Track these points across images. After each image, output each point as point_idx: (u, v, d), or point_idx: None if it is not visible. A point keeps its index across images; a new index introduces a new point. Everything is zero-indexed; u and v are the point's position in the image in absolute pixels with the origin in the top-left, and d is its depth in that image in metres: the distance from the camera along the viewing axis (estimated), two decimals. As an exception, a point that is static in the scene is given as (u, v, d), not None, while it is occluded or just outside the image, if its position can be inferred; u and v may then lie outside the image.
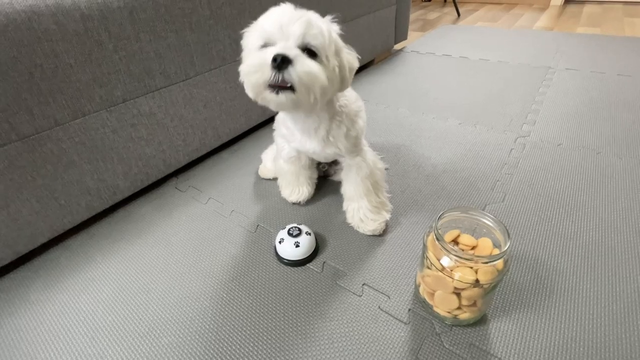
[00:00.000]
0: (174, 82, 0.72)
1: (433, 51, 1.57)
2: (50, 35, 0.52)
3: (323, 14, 0.51)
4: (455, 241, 0.47)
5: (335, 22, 0.50)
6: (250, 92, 0.47)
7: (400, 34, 1.57)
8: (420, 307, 0.50)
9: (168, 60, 0.69)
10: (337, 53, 0.48)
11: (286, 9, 0.46)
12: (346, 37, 0.52)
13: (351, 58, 0.51)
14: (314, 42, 0.44)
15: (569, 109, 1.01)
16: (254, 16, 0.81)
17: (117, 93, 0.63)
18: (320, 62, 0.45)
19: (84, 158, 0.62)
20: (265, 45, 0.45)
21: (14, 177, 0.54)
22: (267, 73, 0.42)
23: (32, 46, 0.50)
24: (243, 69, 0.46)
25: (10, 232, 0.57)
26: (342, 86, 0.51)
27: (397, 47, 1.67)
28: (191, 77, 0.75)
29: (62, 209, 0.62)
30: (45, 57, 0.52)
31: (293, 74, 0.42)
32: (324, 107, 0.54)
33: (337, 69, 0.47)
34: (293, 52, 0.42)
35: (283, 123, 0.61)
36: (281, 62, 0.41)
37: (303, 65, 0.42)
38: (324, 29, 0.46)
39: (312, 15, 0.46)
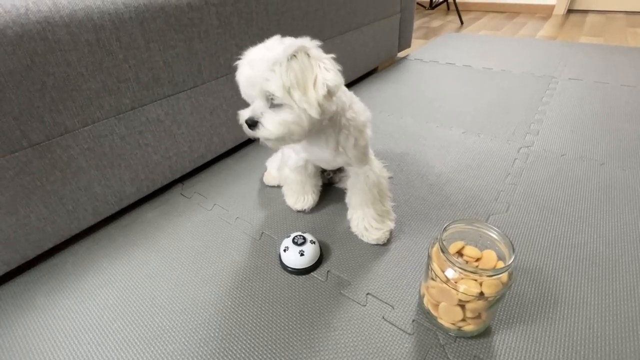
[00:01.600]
0: (181, 90, 0.73)
1: (436, 59, 1.58)
2: (63, 45, 0.53)
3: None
4: (459, 253, 0.47)
5: (314, 41, 0.49)
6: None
7: (404, 42, 1.58)
8: (425, 318, 0.50)
9: (176, 68, 0.70)
10: (309, 85, 0.47)
11: (251, 58, 0.48)
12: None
13: (329, 77, 0.47)
14: (276, 94, 0.46)
15: (573, 119, 1.01)
16: (261, 26, 0.83)
17: (126, 101, 0.64)
18: (289, 107, 0.47)
19: (92, 164, 0.63)
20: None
21: (23, 183, 0.55)
22: (249, 131, 0.50)
23: (45, 56, 0.52)
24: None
25: (18, 237, 0.57)
26: (330, 105, 0.49)
27: (400, 55, 1.69)
28: (198, 85, 0.76)
29: (69, 215, 0.63)
30: (57, 66, 0.53)
31: (263, 132, 0.49)
32: (329, 124, 0.54)
33: (314, 102, 0.47)
34: (258, 112, 0.49)
35: None
36: (251, 124, 0.49)
37: (268, 124, 0.48)
38: (280, 73, 0.45)
39: (270, 57, 0.45)
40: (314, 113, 0.46)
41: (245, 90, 0.50)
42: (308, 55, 0.46)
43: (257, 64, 0.46)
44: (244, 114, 0.51)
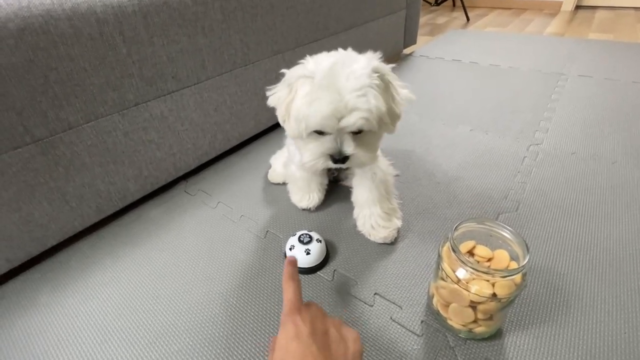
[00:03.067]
0: (185, 85, 0.72)
1: (442, 56, 1.56)
2: (66, 39, 0.52)
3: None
4: (470, 252, 0.46)
5: (381, 60, 0.49)
6: (306, 167, 0.51)
7: (410, 39, 1.56)
8: (434, 319, 0.49)
9: (180, 64, 0.69)
10: (391, 104, 0.48)
11: (333, 86, 0.43)
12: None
13: (406, 94, 0.50)
14: (366, 128, 0.45)
15: (583, 117, 0.99)
16: (266, 21, 0.82)
17: (129, 96, 0.63)
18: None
19: (96, 161, 0.62)
20: (318, 132, 0.47)
21: (27, 180, 0.54)
22: (328, 162, 0.48)
23: (48, 50, 0.51)
24: (304, 159, 0.49)
25: (21, 234, 0.57)
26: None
27: (406, 51, 1.67)
28: (202, 81, 0.75)
29: (73, 212, 0.62)
30: (60, 61, 0.52)
31: (356, 161, 0.48)
32: None
33: (397, 120, 0.50)
34: (350, 150, 0.46)
35: None
36: (341, 159, 0.47)
37: (360, 154, 0.47)
38: (375, 106, 0.43)
39: (357, 85, 0.42)
40: (394, 129, 0.47)
41: (326, 123, 0.44)
42: (384, 74, 0.46)
43: (344, 94, 0.42)
44: (327, 145, 0.46)
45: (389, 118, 0.47)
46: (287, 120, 0.50)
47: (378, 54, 0.50)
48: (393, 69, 0.51)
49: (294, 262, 0.42)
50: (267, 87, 0.54)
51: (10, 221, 0.55)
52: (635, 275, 0.53)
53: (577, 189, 0.72)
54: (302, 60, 0.52)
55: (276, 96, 0.51)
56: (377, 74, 0.45)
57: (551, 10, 2.42)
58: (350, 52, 0.50)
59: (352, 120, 0.43)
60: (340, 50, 0.51)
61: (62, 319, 0.53)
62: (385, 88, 0.47)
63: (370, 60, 0.47)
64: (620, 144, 0.85)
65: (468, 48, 1.65)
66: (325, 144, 0.47)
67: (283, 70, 0.53)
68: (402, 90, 0.48)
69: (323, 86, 0.43)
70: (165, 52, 0.66)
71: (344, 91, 0.42)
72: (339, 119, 0.43)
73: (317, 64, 0.47)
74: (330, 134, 0.47)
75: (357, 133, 0.47)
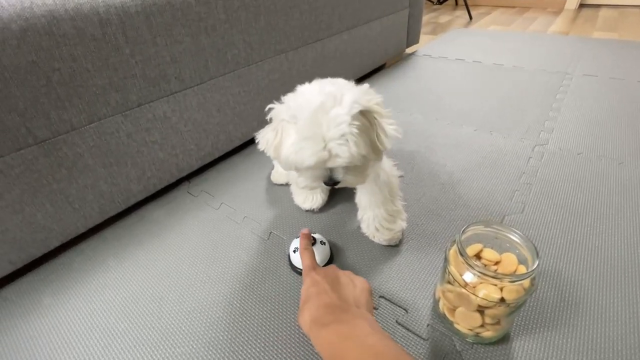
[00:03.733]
0: (188, 86, 0.71)
1: (445, 55, 1.55)
2: (68, 40, 0.51)
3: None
4: (478, 256, 0.45)
5: (371, 91, 0.50)
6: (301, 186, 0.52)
7: (412, 38, 1.55)
8: (440, 322, 0.48)
9: (183, 64, 0.69)
10: (375, 143, 0.48)
11: (315, 147, 0.43)
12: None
13: (392, 131, 0.49)
14: (351, 165, 0.47)
15: (588, 117, 0.98)
16: (269, 21, 0.81)
17: (132, 97, 0.63)
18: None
19: (99, 162, 0.62)
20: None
21: (29, 181, 0.54)
22: (321, 184, 0.50)
23: (50, 51, 0.50)
24: (300, 183, 0.51)
25: (24, 236, 0.57)
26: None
27: (408, 50, 1.66)
28: (205, 82, 0.74)
29: (76, 213, 0.62)
30: (63, 62, 0.52)
31: (346, 182, 0.50)
32: None
33: (381, 154, 0.51)
34: (339, 177, 0.48)
35: None
36: (333, 184, 0.49)
37: (349, 178, 0.49)
38: (355, 152, 0.43)
39: (337, 133, 0.43)
40: (380, 159, 0.50)
41: (312, 168, 0.46)
42: (370, 112, 0.46)
43: (326, 142, 0.43)
44: (312, 177, 0.49)
45: (373, 154, 0.48)
46: (278, 160, 0.51)
47: (367, 86, 0.51)
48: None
49: (307, 234, 0.54)
50: (255, 133, 0.55)
51: (13, 223, 0.54)
52: (643, 279, 0.53)
53: (584, 190, 0.71)
54: (285, 97, 0.51)
55: (264, 140, 0.52)
56: (357, 120, 0.44)
57: (555, 8, 2.41)
58: (336, 86, 0.48)
59: (336, 165, 0.45)
60: (328, 82, 0.51)
61: (65, 321, 0.52)
62: (369, 128, 0.46)
63: (353, 102, 0.44)
64: (626, 144, 0.85)
65: (471, 47, 1.64)
66: (317, 172, 0.49)
67: (270, 106, 0.53)
68: (388, 127, 0.47)
69: (306, 137, 0.44)
70: (169, 53, 0.65)
71: (326, 138, 0.43)
72: (325, 162, 0.45)
73: (300, 107, 0.46)
74: None
75: None
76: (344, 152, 0.43)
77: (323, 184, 0.50)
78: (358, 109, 0.44)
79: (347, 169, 0.48)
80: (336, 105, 0.43)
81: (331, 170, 0.48)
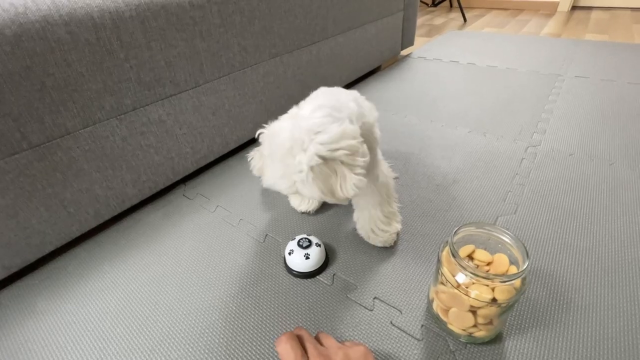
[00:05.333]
0: (183, 89, 0.72)
1: (440, 57, 1.56)
2: (62, 45, 0.52)
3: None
4: (470, 257, 0.46)
5: (364, 114, 0.51)
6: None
7: (407, 40, 1.57)
8: (434, 323, 0.49)
9: (178, 68, 0.69)
10: (336, 189, 0.47)
11: (284, 182, 0.46)
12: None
13: (355, 183, 0.46)
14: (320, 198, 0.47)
15: (580, 118, 1.00)
16: (264, 24, 0.82)
17: (127, 101, 0.63)
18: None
19: (94, 166, 0.62)
20: None
21: (24, 186, 0.54)
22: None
23: (44, 56, 0.50)
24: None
25: (19, 241, 0.56)
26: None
27: (403, 53, 1.67)
28: (200, 85, 0.75)
29: (70, 217, 0.62)
30: (57, 67, 0.52)
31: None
32: None
33: (343, 199, 0.48)
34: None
35: None
36: None
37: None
38: (313, 192, 0.45)
39: (302, 182, 0.44)
40: (347, 200, 0.48)
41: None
42: (334, 160, 0.44)
43: (287, 168, 0.45)
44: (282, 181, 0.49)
45: (333, 198, 0.47)
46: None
47: (368, 106, 0.53)
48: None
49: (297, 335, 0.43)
50: (247, 154, 0.58)
51: (7, 228, 0.54)
52: (635, 278, 0.53)
53: (576, 190, 0.72)
54: (268, 126, 0.51)
55: (253, 162, 0.57)
56: (318, 168, 0.44)
57: (547, 10, 2.43)
58: (322, 111, 0.47)
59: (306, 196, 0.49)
60: (319, 97, 0.51)
61: (60, 326, 0.52)
62: (329, 175, 0.45)
63: (314, 154, 0.43)
64: (617, 145, 0.86)
65: (466, 49, 1.66)
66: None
67: (260, 131, 0.53)
68: (351, 178, 0.45)
69: (279, 176, 0.47)
70: (163, 57, 0.65)
71: (293, 177, 0.45)
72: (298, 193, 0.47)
73: (273, 151, 0.48)
74: None
75: None
76: (305, 192, 0.46)
77: None
78: (317, 162, 0.44)
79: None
80: (300, 153, 0.44)
81: None
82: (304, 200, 0.69)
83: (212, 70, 0.76)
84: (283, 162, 0.45)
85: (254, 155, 0.57)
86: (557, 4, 2.40)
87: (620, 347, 0.45)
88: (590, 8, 2.38)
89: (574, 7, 2.42)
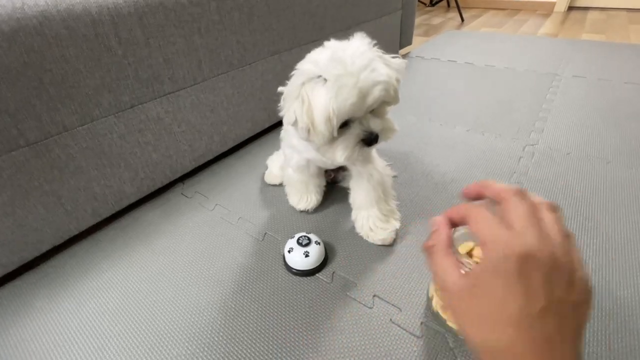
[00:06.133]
0: (181, 87, 0.71)
1: (438, 57, 1.57)
2: (60, 41, 0.51)
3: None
4: (469, 254, 0.46)
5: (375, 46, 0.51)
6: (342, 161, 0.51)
7: (405, 40, 1.57)
8: (433, 320, 0.49)
9: (176, 65, 0.68)
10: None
11: (351, 80, 0.44)
12: None
13: (399, 70, 0.51)
14: (387, 98, 0.48)
15: (577, 117, 1.00)
16: (262, 22, 0.82)
17: (125, 98, 0.63)
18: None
19: (91, 164, 0.61)
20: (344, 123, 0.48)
21: (21, 183, 0.54)
22: (363, 148, 0.50)
23: (42, 52, 0.50)
24: (339, 158, 0.50)
25: (16, 239, 0.56)
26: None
27: (401, 52, 1.67)
28: (199, 82, 0.74)
29: (68, 215, 0.61)
30: (55, 63, 0.52)
31: (381, 138, 0.50)
32: None
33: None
34: (378, 126, 0.49)
35: (294, 135, 0.60)
36: (373, 140, 0.49)
37: (385, 133, 0.50)
38: (387, 74, 0.46)
39: (374, 70, 0.45)
40: (398, 98, 0.50)
41: (356, 107, 0.46)
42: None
43: (359, 75, 0.44)
44: (351, 140, 0.49)
45: (396, 83, 0.50)
46: (311, 129, 0.48)
47: (363, 34, 0.52)
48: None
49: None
50: (279, 107, 0.53)
51: (4, 226, 0.54)
52: (631, 276, 0.54)
53: (573, 189, 0.73)
54: (293, 72, 0.52)
55: (291, 111, 0.49)
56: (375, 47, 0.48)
57: (544, 11, 2.45)
58: (334, 42, 0.51)
59: (377, 94, 0.46)
60: (325, 43, 0.52)
61: (58, 325, 0.52)
62: (383, 59, 0.49)
63: (361, 39, 0.49)
64: (613, 144, 0.87)
65: (463, 49, 1.66)
66: (355, 132, 0.49)
67: (281, 89, 0.52)
68: (394, 60, 0.51)
69: (338, 76, 0.44)
70: (162, 54, 0.65)
71: (357, 73, 0.44)
72: (365, 98, 0.46)
73: (315, 64, 0.48)
74: (355, 120, 0.49)
75: (371, 111, 0.50)
76: (379, 77, 0.45)
77: (365, 146, 0.49)
78: (397, 78, 0.48)
79: (377, 116, 0.49)
80: (349, 46, 0.47)
81: (367, 124, 0.49)
82: (303, 198, 0.69)
83: (211, 67, 0.75)
84: (342, 65, 0.44)
85: (289, 107, 0.50)
86: (554, 4, 2.41)
87: (619, 344, 0.45)
88: (586, 8, 2.40)
89: (571, 8, 2.43)
